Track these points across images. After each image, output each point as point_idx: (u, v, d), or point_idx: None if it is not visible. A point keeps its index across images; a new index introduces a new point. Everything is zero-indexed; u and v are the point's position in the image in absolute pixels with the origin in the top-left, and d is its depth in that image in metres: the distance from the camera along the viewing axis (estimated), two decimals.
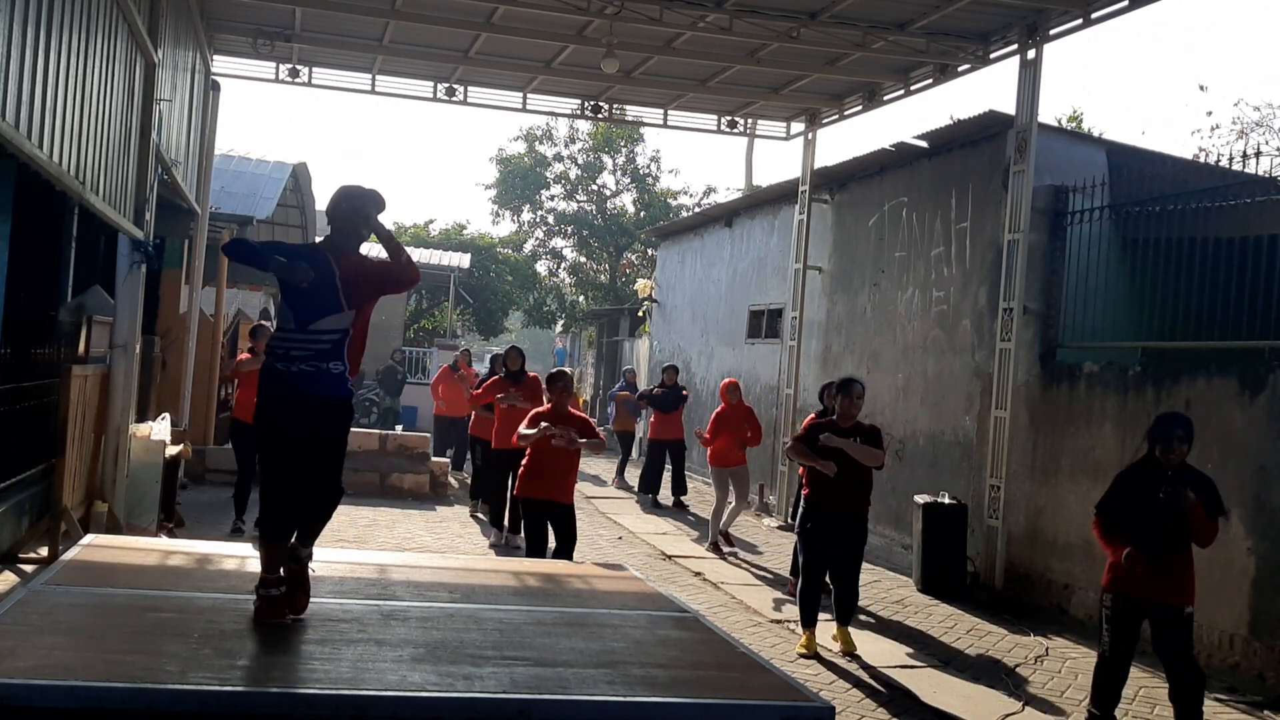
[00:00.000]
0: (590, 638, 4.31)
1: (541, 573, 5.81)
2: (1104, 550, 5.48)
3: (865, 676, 6.81)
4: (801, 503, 7.40)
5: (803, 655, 7.10)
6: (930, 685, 6.67)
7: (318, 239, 4.42)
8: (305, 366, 4.19)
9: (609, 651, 4.11)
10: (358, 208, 4.35)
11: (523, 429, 7.37)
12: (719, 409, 10.97)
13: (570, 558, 7.32)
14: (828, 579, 7.39)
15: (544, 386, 7.50)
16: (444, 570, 5.14)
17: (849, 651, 7.16)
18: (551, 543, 7.52)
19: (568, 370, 7.51)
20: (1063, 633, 8.22)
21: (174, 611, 4.13)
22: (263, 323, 11.45)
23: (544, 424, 7.19)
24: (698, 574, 9.67)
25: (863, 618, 8.31)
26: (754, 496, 13.73)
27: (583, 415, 7.64)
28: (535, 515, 7.46)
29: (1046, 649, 7.78)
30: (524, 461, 7.53)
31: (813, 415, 8.95)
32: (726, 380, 11.27)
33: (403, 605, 4.55)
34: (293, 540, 4.28)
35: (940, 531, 9.36)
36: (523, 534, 7.90)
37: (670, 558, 10.36)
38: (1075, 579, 8.55)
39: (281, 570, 4.24)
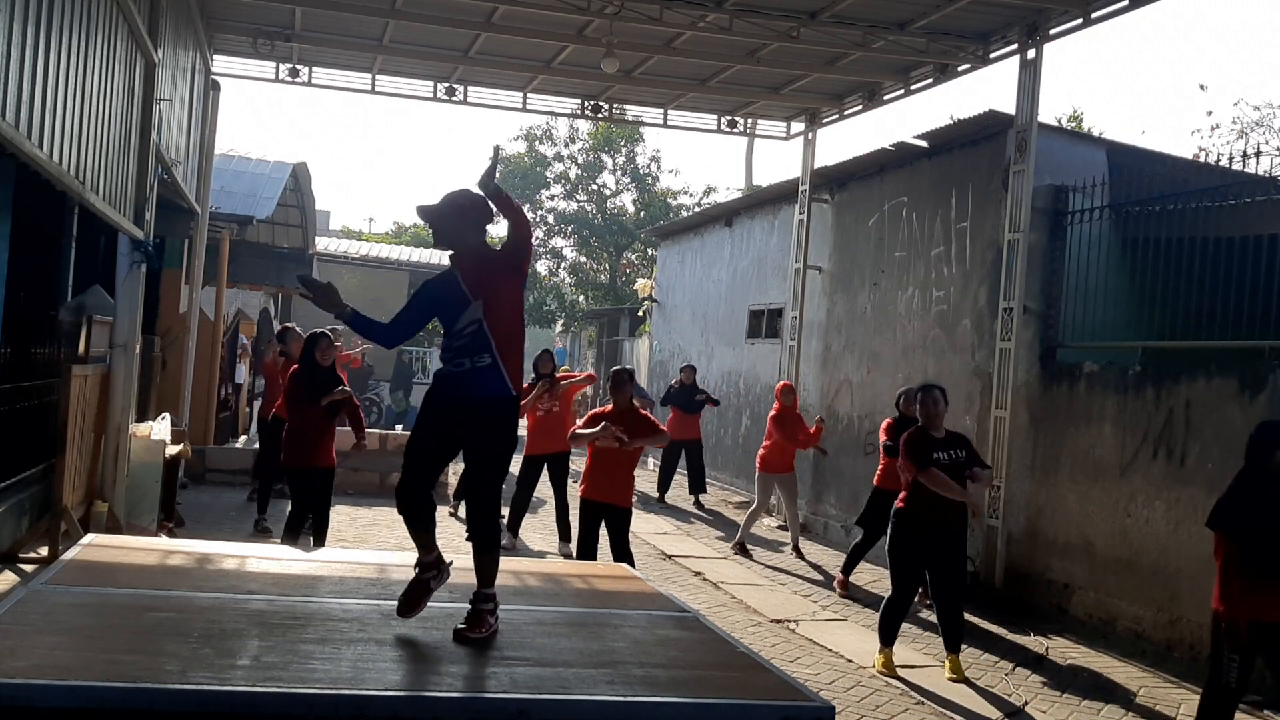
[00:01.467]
0: (590, 638, 4.31)
1: (541, 573, 5.81)
2: (1229, 575, 5.05)
3: (865, 676, 6.81)
4: (894, 516, 6.95)
5: (882, 674, 6.82)
6: (930, 685, 6.67)
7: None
8: (453, 366, 4.27)
9: (609, 651, 4.11)
10: (458, 215, 4.38)
11: (579, 429, 7.66)
12: (774, 410, 10.97)
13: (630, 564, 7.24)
14: (929, 600, 7.17)
15: (609, 386, 7.80)
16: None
17: (959, 679, 6.74)
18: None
19: (628, 367, 7.80)
20: (1063, 632, 8.23)
21: (174, 611, 4.13)
22: (289, 325, 11.46)
23: (603, 424, 7.32)
24: (698, 574, 9.67)
25: (862, 618, 8.31)
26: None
27: (644, 414, 7.71)
28: (589, 516, 7.60)
29: (1046, 649, 7.78)
30: (585, 462, 7.72)
31: (889, 420, 8.86)
32: (783, 383, 11.44)
33: None
34: (476, 585, 4.27)
35: None
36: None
37: (670, 558, 10.36)
38: (1075, 579, 8.56)
39: (436, 554, 4.38)
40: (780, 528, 12.53)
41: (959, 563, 6.97)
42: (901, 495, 6.92)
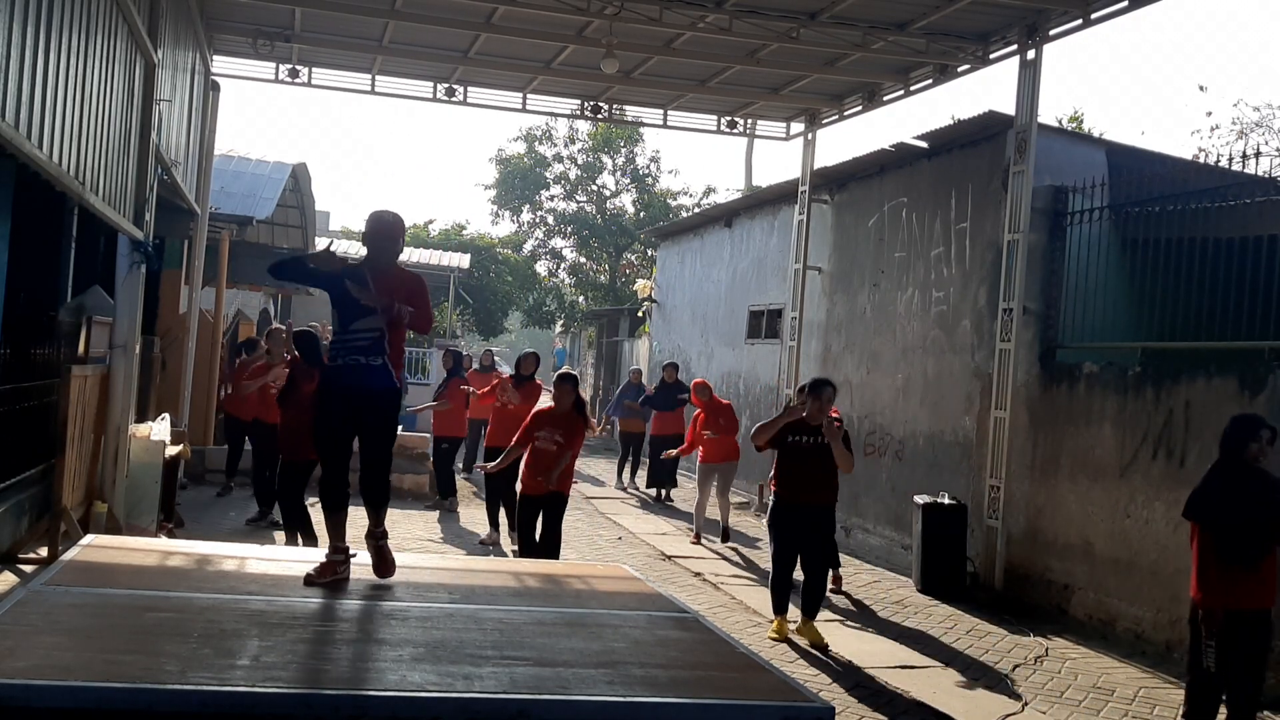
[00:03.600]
0: (590, 638, 4.30)
1: (541, 573, 5.81)
2: (1205, 564, 5.19)
3: (865, 677, 6.81)
4: (771, 497, 7.67)
5: (773, 639, 7.45)
6: (930, 685, 6.67)
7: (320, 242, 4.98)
8: (348, 360, 4.93)
9: (609, 651, 4.11)
10: (387, 232, 5.06)
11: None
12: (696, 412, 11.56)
13: (552, 554, 7.74)
14: (798, 571, 7.69)
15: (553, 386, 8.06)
16: (444, 570, 5.15)
17: (816, 645, 7.34)
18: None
19: (573, 373, 8.28)
20: (1063, 633, 8.23)
21: (174, 611, 4.12)
22: (277, 326, 11.56)
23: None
24: (698, 574, 9.67)
25: (859, 616, 8.31)
26: (753, 496, 13.77)
27: (580, 419, 7.85)
28: (525, 509, 7.91)
29: (1046, 649, 7.78)
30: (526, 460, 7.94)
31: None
32: (696, 380, 12.12)
33: (403, 605, 4.55)
34: (368, 526, 5.02)
35: (940, 532, 9.36)
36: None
37: (670, 558, 10.36)
38: (1075, 579, 8.55)
39: (346, 544, 4.99)
40: None
41: (825, 540, 7.70)
42: (772, 480, 7.62)
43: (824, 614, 8.43)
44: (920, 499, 9.52)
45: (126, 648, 3.60)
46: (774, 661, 5.30)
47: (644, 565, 9.53)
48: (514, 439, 7.98)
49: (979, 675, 6.99)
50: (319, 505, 8.30)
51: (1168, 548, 7.66)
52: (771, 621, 7.69)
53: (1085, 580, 8.44)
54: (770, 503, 7.65)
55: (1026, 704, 6.46)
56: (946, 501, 9.46)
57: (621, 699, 3.57)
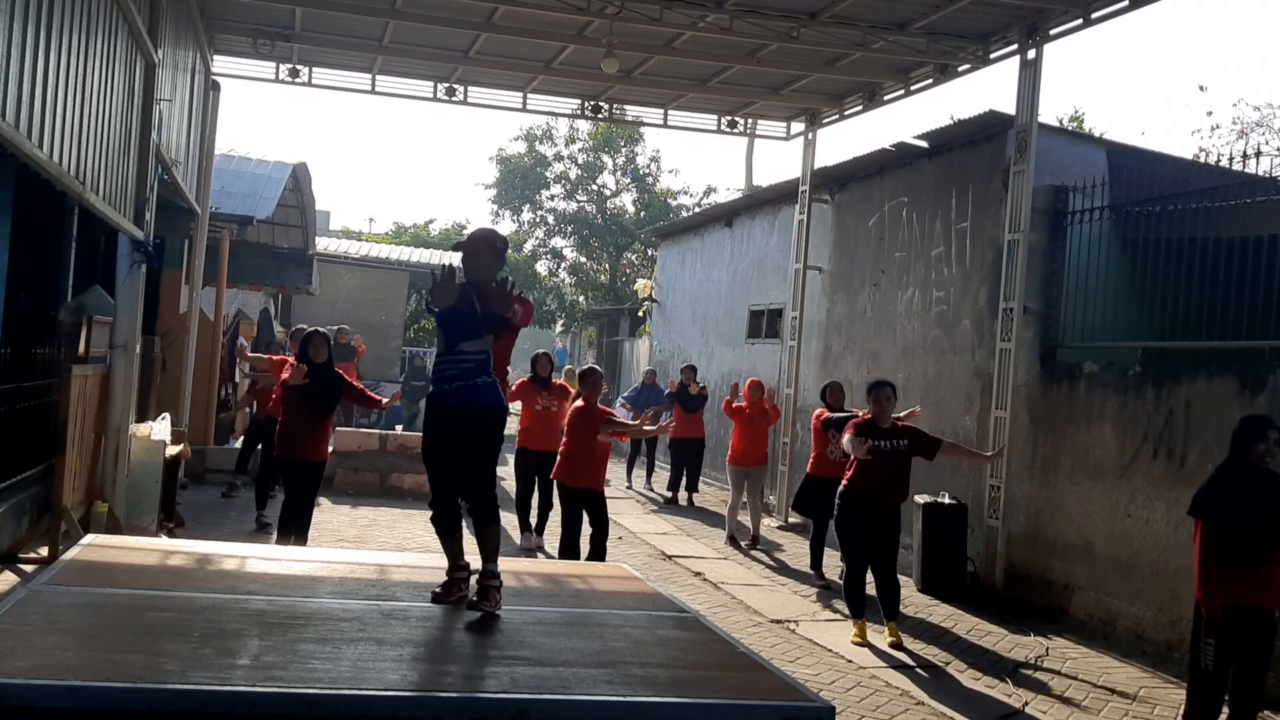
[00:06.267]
0: (590, 638, 4.30)
1: (541, 573, 5.81)
2: (1205, 562, 5.19)
3: (865, 676, 6.81)
4: (839, 497, 7.66)
5: (856, 644, 7.47)
6: (930, 685, 6.68)
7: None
8: (454, 385, 4.75)
9: (609, 651, 4.11)
10: (494, 249, 4.95)
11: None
12: (745, 407, 11.57)
13: (604, 540, 8.41)
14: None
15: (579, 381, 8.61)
16: (444, 570, 5.14)
17: (897, 644, 7.44)
18: (586, 529, 8.49)
19: (598, 367, 8.81)
20: (1063, 633, 8.23)
21: (174, 611, 4.12)
22: (312, 327, 11.38)
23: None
24: (698, 574, 9.67)
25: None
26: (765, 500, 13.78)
27: (607, 409, 8.61)
28: (572, 502, 8.43)
29: (1046, 649, 7.78)
30: (562, 451, 8.48)
31: (822, 410, 9.41)
32: (753, 380, 11.94)
33: (403, 605, 4.55)
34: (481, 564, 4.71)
35: (940, 531, 9.36)
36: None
37: (670, 558, 10.36)
38: (1075, 579, 8.56)
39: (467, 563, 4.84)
40: (781, 528, 12.53)
41: (893, 541, 7.61)
42: (845, 478, 7.63)
43: (826, 613, 8.44)
44: (920, 498, 9.51)
45: (127, 647, 3.60)
46: (774, 661, 5.30)
47: (644, 565, 9.52)
48: (577, 436, 8.28)
49: (979, 675, 6.99)
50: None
51: (1168, 547, 7.66)
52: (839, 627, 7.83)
53: (1086, 580, 8.44)
54: (839, 504, 7.64)
55: (1027, 704, 6.46)
56: (947, 501, 9.45)
57: (622, 699, 3.57)
